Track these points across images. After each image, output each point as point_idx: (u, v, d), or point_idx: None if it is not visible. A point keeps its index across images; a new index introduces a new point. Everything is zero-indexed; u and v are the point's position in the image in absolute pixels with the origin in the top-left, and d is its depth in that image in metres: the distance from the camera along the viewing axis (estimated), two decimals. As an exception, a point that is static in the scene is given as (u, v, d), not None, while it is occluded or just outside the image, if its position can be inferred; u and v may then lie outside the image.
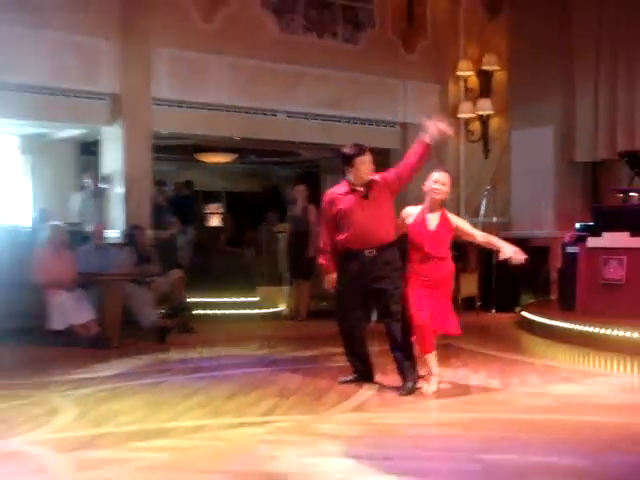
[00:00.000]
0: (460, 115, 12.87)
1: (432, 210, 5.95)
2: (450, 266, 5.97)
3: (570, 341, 8.13)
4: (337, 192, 5.99)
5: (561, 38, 12.22)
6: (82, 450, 4.29)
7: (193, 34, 10.85)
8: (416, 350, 5.89)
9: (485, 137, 12.91)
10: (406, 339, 5.84)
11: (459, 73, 12.86)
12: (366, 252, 5.80)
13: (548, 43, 12.22)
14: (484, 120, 12.79)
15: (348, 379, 6.13)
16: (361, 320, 6.08)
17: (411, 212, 6.04)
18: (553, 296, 11.14)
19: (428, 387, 5.79)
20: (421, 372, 5.93)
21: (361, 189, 5.88)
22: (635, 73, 11.49)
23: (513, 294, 11.49)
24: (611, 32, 11.76)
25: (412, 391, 5.72)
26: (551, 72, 12.19)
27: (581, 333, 8.12)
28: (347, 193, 5.91)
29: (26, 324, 8.50)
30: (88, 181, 10.79)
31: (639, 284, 8.41)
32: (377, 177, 5.94)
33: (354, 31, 12.23)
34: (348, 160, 5.89)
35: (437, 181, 5.93)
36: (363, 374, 6.13)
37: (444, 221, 5.94)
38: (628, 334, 7.61)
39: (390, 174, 6.01)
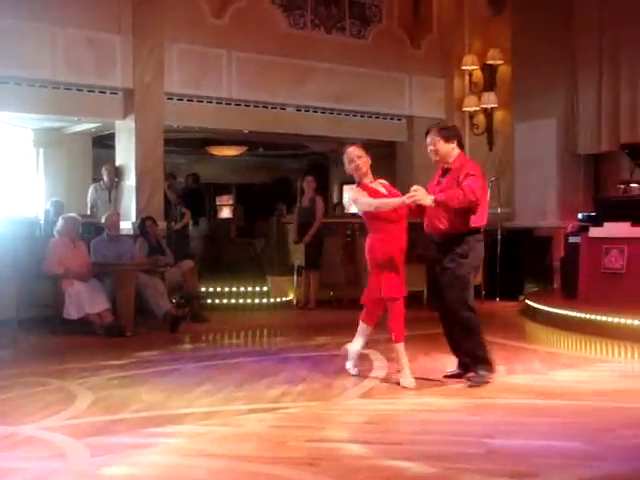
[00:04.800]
0: (465, 109, 13.01)
1: (372, 182, 5.90)
2: (369, 240, 5.91)
3: (572, 328, 8.24)
4: None
5: (564, 32, 12.33)
6: (97, 436, 4.37)
7: (204, 29, 11.03)
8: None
9: (489, 130, 13.04)
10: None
11: (464, 67, 12.98)
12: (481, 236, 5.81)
13: (551, 37, 12.33)
14: (488, 113, 12.92)
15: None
16: None
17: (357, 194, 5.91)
18: (556, 285, 11.24)
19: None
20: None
21: None
22: (637, 67, 11.57)
23: (517, 283, 11.62)
24: (613, 26, 11.83)
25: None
26: (554, 66, 12.30)
27: (583, 321, 8.23)
28: None
29: (42, 314, 8.70)
30: (103, 173, 10.98)
31: (639, 273, 8.57)
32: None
33: (361, 26, 12.39)
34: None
35: (360, 156, 5.84)
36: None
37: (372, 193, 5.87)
38: (629, 321, 7.73)
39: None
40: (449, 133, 5.81)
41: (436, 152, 5.76)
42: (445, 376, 5.93)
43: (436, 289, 6.02)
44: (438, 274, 5.84)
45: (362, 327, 6.10)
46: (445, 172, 5.78)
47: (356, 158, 5.84)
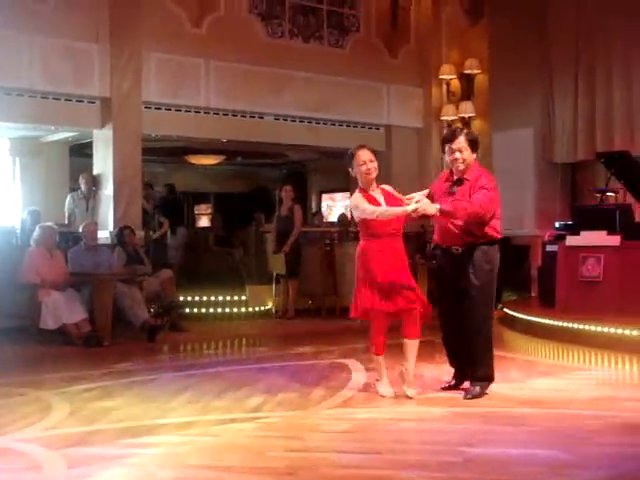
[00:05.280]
0: (443, 118, 13.07)
1: (372, 190, 5.61)
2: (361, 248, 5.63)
3: (550, 337, 8.26)
4: None
5: (540, 42, 12.47)
6: (74, 447, 4.34)
7: (182, 38, 11.03)
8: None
9: (467, 139, 13.10)
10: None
11: (442, 77, 13.08)
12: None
13: (527, 47, 12.46)
14: (466, 122, 12.95)
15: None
16: None
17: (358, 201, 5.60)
18: (533, 293, 11.31)
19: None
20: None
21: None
22: (612, 76, 11.75)
23: (495, 291, 11.65)
24: (588, 37, 12.00)
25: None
26: (530, 75, 12.43)
27: (561, 329, 8.25)
28: None
29: (19, 324, 8.63)
30: (80, 182, 10.93)
31: (615, 281, 8.61)
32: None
33: (339, 36, 12.46)
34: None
35: (372, 160, 5.55)
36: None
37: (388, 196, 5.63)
38: (606, 329, 7.77)
39: None
40: (476, 142, 5.51)
41: (464, 162, 5.42)
42: (442, 388, 5.81)
43: (446, 300, 5.68)
44: (464, 289, 5.52)
45: (376, 360, 5.72)
46: (459, 182, 5.48)
47: (368, 161, 5.52)
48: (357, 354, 6.73)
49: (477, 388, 5.56)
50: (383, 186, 5.67)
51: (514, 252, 12.11)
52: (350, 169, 5.60)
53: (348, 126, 12.65)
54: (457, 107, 12.98)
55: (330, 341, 8.45)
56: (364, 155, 5.53)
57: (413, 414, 5.21)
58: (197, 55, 11.12)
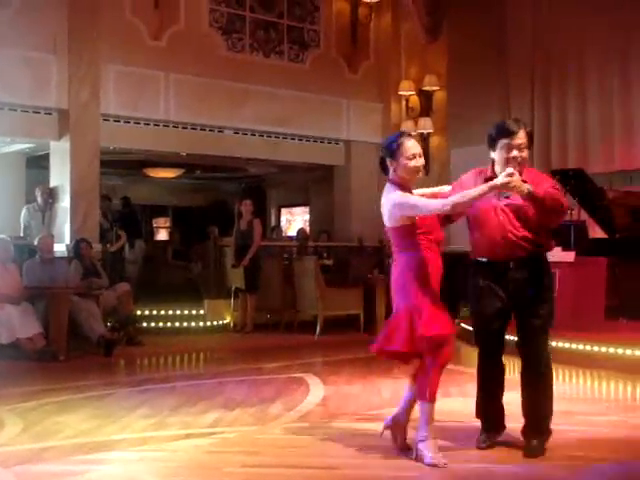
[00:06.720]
0: (402, 133, 13.19)
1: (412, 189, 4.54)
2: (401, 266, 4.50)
3: (506, 351, 8.38)
4: None
5: (497, 60, 12.68)
6: (27, 464, 4.28)
7: (141, 51, 10.98)
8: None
9: (426, 155, 13.20)
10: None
11: (401, 93, 13.21)
12: None
13: (485, 65, 12.65)
14: (425, 138, 13.09)
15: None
16: None
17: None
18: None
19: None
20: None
21: None
22: (567, 95, 11.99)
23: (452, 306, 11.73)
24: (545, 55, 12.25)
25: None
26: (488, 92, 12.61)
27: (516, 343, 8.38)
28: None
29: (-28, 338, 8.51)
30: (37, 194, 10.80)
31: (570, 296, 8.70)
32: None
33: (299, 51, 12.53)
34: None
35: (421, 154, 4.47)
36: None
37: None
38: (560, 344, 7.81)
39: None
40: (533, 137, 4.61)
41: (523, 161, 4.40)
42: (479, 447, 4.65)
43: (493, 342, 4.69)
44: (523, 318, 4.55)
45: (431, 409, 4.43)
46: None
47: (418, 155, 4.42)
48: (315, 368, 6.73)
49: (535, 442, 4.50)
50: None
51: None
52: (388, 160, 4.44)
53: (308, 141, 12.71)
54: (416, 123, 13.09)
55: (288, 356, 8.46)
56: (415, 147, 4.41)
57: (370, 429, 5.15)
58: (157, 68, 11.09)
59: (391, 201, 4.36)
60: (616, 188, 10.56)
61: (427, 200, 4.40)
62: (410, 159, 4.37)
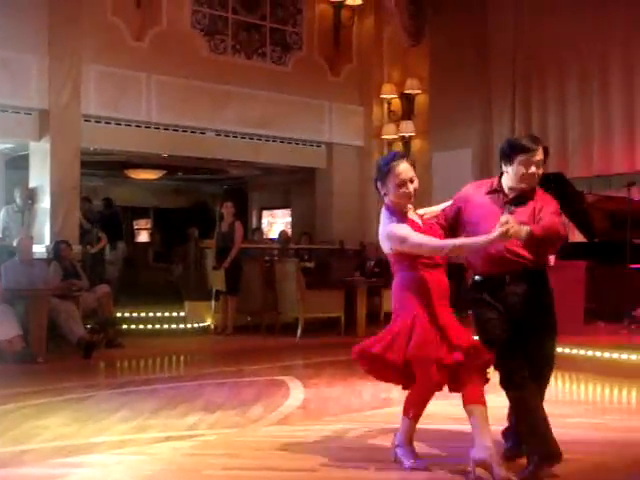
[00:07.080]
0: (384, 136, 13.21)
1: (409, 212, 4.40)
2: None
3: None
4: None
5: (480, 64, 12.77)
6: (5, 468, 4.26)
7: (123, 52, 10.94)
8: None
9: (407, 158, 13.28)
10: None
11: (383, 96, 13.23)
12: None
13: (467, 69, 12.75)
14: (406, 141, 13.14)
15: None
16: None
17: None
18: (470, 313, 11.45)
19: None
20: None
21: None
22: (548, 98, 12.10)
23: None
24: (526, 58, 12.36)
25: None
26: (470, 96, 12.70)
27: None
28: None
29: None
30: (16, 195, 10.73)
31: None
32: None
33: (282, 53, 12.53)
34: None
35: (413, 178, 4.30)
36: None
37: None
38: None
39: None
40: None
41: (539, 177, 4.32)
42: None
43: (508, 348, 4.40)
44: (539, 331, 4.53)
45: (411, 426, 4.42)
46: (520, 200, 4.29)
47: (408, 181, 4.26)
48: (296, 371, 6.73)
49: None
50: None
51: (451, 271, 12.26)
52: (379, 183, 4.35)
53: (289, 143, 12.71)
54: (398, 126, 13.13)
55: (269, 358, 8.46)
56: (405, 173, 4.25)
57: (353, 431, 5.19)
58: (138, 69, 11.05)
59: (388, 233, 4.26)
60: (595, 192, 10.63)
61: (425, 240, 4.20)
62: (400, 186, 4.24)
